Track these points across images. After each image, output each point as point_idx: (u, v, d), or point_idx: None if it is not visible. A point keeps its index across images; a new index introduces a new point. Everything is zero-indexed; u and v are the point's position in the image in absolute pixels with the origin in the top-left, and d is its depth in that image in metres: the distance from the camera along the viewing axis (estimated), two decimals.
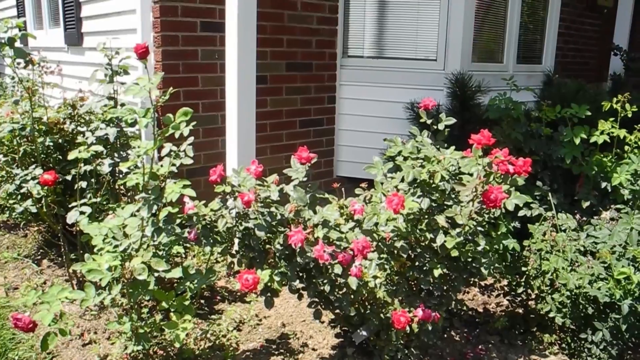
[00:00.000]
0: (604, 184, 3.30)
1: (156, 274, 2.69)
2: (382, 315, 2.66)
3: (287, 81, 4.71)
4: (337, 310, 2.67)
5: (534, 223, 3.20)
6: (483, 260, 2.50)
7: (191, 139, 3.74)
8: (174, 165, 2.86)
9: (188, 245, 3.55)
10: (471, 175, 2.67)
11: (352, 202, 2.52)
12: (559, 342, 3.07)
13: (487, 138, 2.44)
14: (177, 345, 2.66)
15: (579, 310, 2.87)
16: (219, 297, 3.55)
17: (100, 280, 2.57)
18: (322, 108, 5.02)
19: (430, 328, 2.60)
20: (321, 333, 3.16)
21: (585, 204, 3.30)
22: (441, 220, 2.49)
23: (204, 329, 3.09)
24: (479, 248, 2.50)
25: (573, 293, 2.83)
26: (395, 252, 2.57)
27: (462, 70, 4.69)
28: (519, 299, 3.17)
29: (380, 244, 2.53)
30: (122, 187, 3.81)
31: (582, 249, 2.94)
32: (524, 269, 3.00)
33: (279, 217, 2.38)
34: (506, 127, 3.62)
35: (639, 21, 6.65)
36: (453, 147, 2.71)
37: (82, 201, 3.24)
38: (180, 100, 4.21)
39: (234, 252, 2.55)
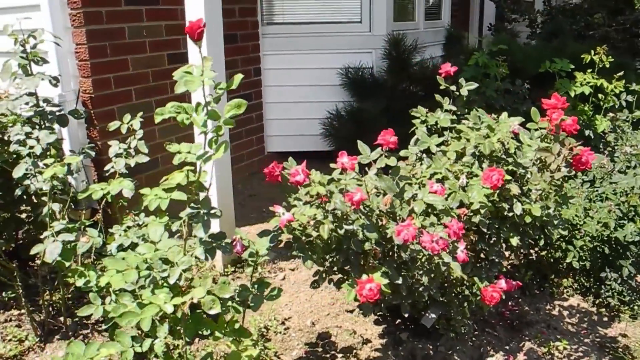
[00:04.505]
0: (587, 132, 3.42)
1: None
2: (458, 293, 2.47)
3: None
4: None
5: None
6: (555, 222, 2.41)
7: (140, 133, 3.14)
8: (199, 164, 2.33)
9: None
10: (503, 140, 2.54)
11: (430, 182, 2.24)
12: (573, 285, 3.16)
13: (562, 102, 2.31)
14: None
15: (596, 253, 2.95)
16: None
17: (139, 323, 2.02)
18: (250, 82, 4.52)
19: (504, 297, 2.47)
20: (358, 324, 2.87)
21: None
22: (515, 188, 2.33)
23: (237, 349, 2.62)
24: (550, 211, 2.40)
25: (594, 237, 2.90)
26: (472, 227, 2.37)
27: (387, 31, 4.53)
28: (535, 249, 3.18)
29: None
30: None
31: (590, 195, 3.01)
32: None
33: (377, 212, 2.03)
34: (481, 85, 3.55)
35: None
36: (505, 114, 2.53)
37: (59, 227, 2.50)
38: (112, 89, 3.47)
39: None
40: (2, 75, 3.02)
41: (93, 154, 3.22)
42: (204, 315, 2.23)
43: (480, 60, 3.58)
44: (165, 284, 2.07)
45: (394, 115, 4.28)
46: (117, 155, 3.08)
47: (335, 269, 2.17)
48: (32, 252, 2.54)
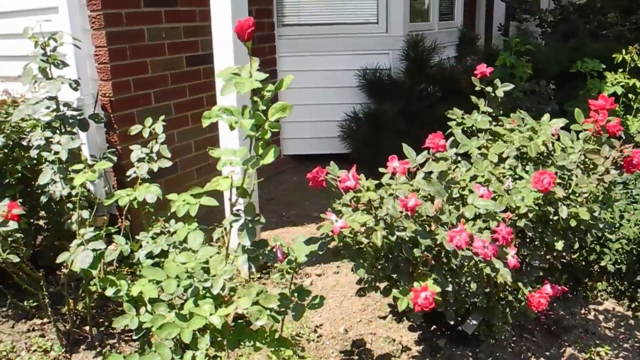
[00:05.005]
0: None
1: None
2: (501, 299, 2.40)
3: None
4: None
5: None
6: (601, 225, 2.34)
7: (163, 137, 3.06)
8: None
9: None
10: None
11: (476, 186, 2.17)
12: (607, 288, 3.09)
13: (610, 103, 2.24)
14: None
15: (632, 256, 2.89)
16: None
17: (179, 335, 1.94)
18: None
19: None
20: (392, 330, 2.79)
21: None
22: (560, 191, 2.26)
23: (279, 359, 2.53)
24: (596, 214, 2.33)
25: (630, 240, 2.83)
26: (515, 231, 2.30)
27: (404, 32, 4.46)
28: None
29: None
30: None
31: (624, 198, 2.95)
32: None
33: (423, 217, 1.95)
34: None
35: None
36: (547, 115, 2.46)
37: (89, 235, 2.41)
38: (131, 92, 3.38)
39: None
40: (24, 79, 2.92)
41: (115, 159, 3.13)
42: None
43: (507, 61, 3.51)
44: (208, 294, 1.99)
45: (412, 117, 4.22)
46: (140, 160, 2.99)
47: (381, 275, 2.09)
48: (59, 260, 2.45)
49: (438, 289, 1.90)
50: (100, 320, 2.94)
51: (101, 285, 2.43)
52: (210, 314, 1.88)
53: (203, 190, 1.98)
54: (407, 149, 2.11)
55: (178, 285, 2.00)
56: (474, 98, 2.68)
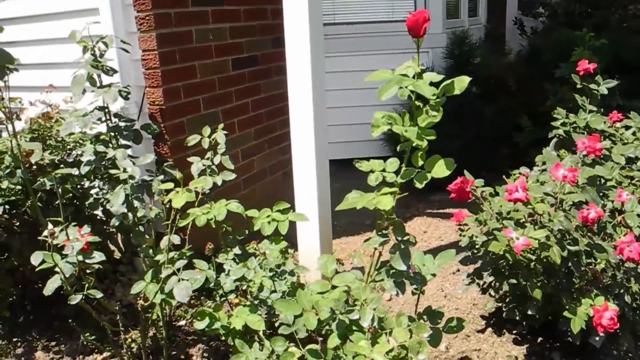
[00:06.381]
0: None
1: None
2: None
3: (275, 60, 3.78)
4: None
5: None
6: None
7: (223, 148, 2.81)
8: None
9: None
10: None
11: (619, 191, 2.00)
12: None
13: None
14: None
15: None
16: None
17: None
18: None
19: None
20: (495, 345, 2.56)
21: None
22: None
23: None
24: None
25: None
26: None
27: (443, 29, 4.28)
28: None
29: None
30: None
31: None
32: None
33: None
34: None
35: None
36: None
37: (181, 263, 2.13)
38: (181, 99, 3.08)
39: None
40: (74, 88, 2.61)
41: (175, 173, 2.85)
42: None
43: (583, 56, 3.36)
44: (354, 327, 1.76)
45: (457, 118, 4.04)
46: (201, 174, 2.72)
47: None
48: (133, 291, 2.19)
49: (616, 307, 1.72)
50: (173, 353, 2.66)
51: (198, 318, 2.18)
52: (371, 351, 1.64)
53: (348, 206, 1.73)
54: (547, 151, 1.92)
55: (320, 320, 1.76)
56: (577, 96, 2.51)
